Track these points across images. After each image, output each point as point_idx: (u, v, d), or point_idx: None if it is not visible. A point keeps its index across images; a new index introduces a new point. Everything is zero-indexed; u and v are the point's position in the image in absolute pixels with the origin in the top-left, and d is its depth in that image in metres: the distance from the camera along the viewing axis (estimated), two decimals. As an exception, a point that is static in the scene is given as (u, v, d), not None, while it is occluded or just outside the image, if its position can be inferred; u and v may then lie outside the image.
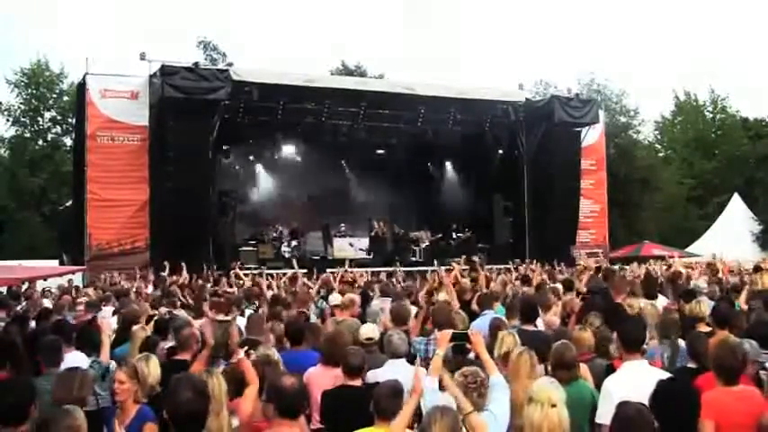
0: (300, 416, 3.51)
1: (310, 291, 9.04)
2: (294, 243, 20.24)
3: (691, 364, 4.71)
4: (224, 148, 19.54)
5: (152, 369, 4.51)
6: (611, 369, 4.57)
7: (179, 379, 3.28)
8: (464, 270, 10.79)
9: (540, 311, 6.63)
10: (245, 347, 4.42)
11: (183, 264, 12.72)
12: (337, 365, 4.58)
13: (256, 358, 4.33)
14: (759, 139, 36.86)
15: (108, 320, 6.58)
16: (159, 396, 4.19)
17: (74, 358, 5.16)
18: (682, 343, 5.27)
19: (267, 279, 11.00)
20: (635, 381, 3.94)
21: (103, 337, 5.35)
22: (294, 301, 8.09)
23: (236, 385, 4.03)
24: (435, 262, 13.54)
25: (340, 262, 18.01)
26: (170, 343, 5.58)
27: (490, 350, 4.89)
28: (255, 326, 6.03)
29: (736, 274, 11.33)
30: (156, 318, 6.62)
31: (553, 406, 3.39)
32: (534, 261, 14.41)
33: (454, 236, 22.09)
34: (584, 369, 4.61)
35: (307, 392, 3.68)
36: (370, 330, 5.64)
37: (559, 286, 8.92)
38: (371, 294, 9.16)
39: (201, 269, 14.07)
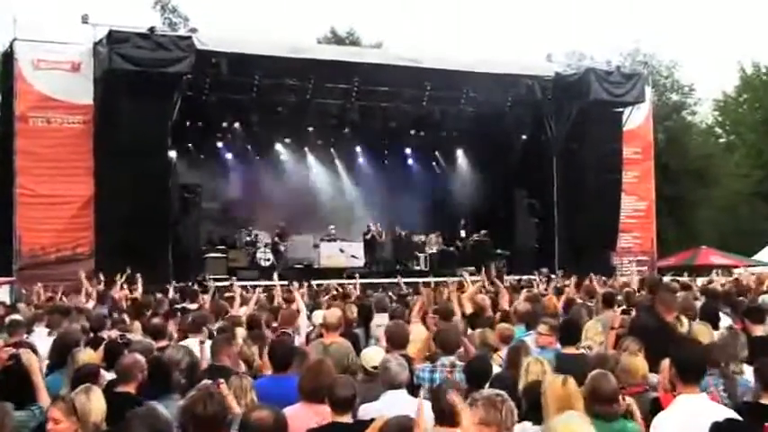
0: None
1: (292, 308, 8.99)
2: (273, 248, 20.25)
3: (764, 400, 4.65)
4: (186, 132, 19.52)
5: (94, 403, 4.45)
6: (657, 405, 4.54)
7: (133, 416, 3.24)
8: (475, 281, 10.78)
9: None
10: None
11: (139, 275, 12.66)
12: (322, 402, 4.55)
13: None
14: None
15: (39, 349, 6.42)
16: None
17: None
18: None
19: (245, 292, 11.03)
20: (692, 421, 3.86)
21: (34, 378, 5.19)
22: (275, 320, 8.07)
23: None
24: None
25: (329, 271, 18.06)
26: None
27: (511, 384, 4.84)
28: (222, 350, 6.00)
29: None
30: (106, 342, 6.55)
31: None
32: (569, 277, 14.32)
33: (467, 239, 22.11)
34: (631, 404, 4.57)
35: (283, 428, 3.66)
36: (375, 356, 5.62)
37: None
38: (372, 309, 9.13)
39: (161, 280, 14.08)
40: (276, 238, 20.81)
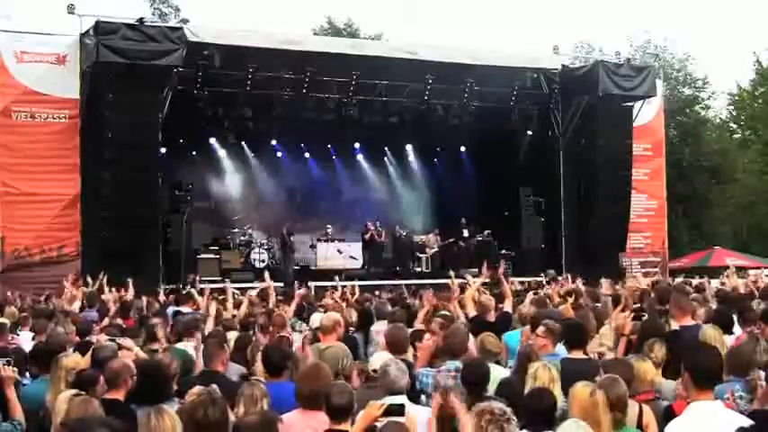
0: None
1: (285, 312, 9.01)
2: (286, 249, 20.26)
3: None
4: (177, 127, 19.52)
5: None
6: (670, 413, 4.54)
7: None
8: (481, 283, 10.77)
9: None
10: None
11: (130, 280, 12.57)
12: (320, 409, 4.56)
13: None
14: None
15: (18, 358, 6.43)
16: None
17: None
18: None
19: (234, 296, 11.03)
20: (705, 428, 3.86)
21: (8, 392, 5.15)
22: (271, 324, 8.10)
23: None
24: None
25: (327, 273, 18.06)
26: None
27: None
28: (215, 354, 6.01)
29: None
30: (94, 347, 6.56)
31: None
32: (574, 278, 14.33)
33: (470, 239, 22.11)
34: (646, 413, 4.57)
35: (271, 428, 3.73)
36: (379, 360, 5.65)
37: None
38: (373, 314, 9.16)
39: (151, 282, 14.08)
40: (291, 238, 20.83)
